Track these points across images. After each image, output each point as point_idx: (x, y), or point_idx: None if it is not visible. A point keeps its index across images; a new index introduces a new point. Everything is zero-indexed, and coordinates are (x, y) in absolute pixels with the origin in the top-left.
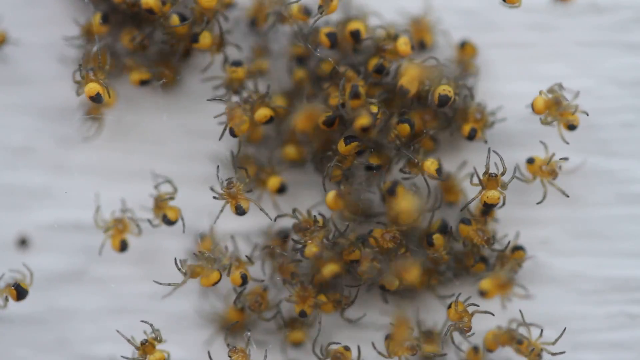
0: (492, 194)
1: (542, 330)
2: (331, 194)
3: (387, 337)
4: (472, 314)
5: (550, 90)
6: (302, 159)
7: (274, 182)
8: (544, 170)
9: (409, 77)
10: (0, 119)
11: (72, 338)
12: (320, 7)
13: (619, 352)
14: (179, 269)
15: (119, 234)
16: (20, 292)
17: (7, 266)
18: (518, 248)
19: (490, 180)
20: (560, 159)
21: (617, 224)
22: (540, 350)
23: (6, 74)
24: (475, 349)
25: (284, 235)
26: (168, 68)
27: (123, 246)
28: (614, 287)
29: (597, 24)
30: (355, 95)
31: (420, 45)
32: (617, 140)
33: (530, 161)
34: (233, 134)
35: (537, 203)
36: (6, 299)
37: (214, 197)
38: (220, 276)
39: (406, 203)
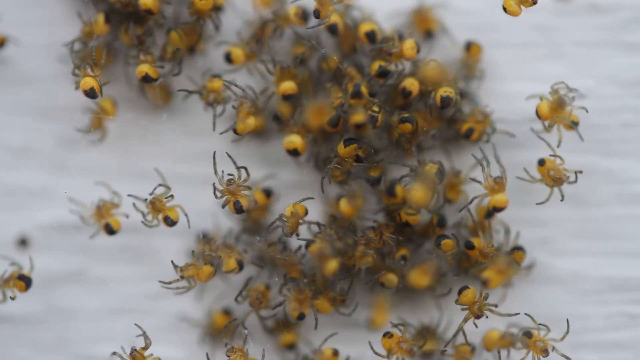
0: (501, 198)
1: (539, 324)
2: (344, 202)
3: (386, 334)
4: (485, 298)
5: (553, 92)
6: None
7: (259, 196)
8: (552, 175)
9: (428, 78)
10: (0, 119)
11: (72, 338)
12: (316, 10)
13: (619, 352)
14: (175, 267)
15: (102, 219)
16: (27, 282)
17: (7, 266)
18: (518, 248)
19: (497, 183)
20: (572, 171)
21: (617, 224)
22: (549, 347)
23: (6, 74)
24: (472, 349)
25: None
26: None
27: (108, 229)
28: (614, 287)
29: (597, 24)
30: (356, 94)
31: (428, 34)
32: (617, 140)
33: (541, 163)
34: (235, 131)
35: (539, 203)
36: (8, 296)
37: (215, 195)
38: (214, 269)
39: (419, 191)
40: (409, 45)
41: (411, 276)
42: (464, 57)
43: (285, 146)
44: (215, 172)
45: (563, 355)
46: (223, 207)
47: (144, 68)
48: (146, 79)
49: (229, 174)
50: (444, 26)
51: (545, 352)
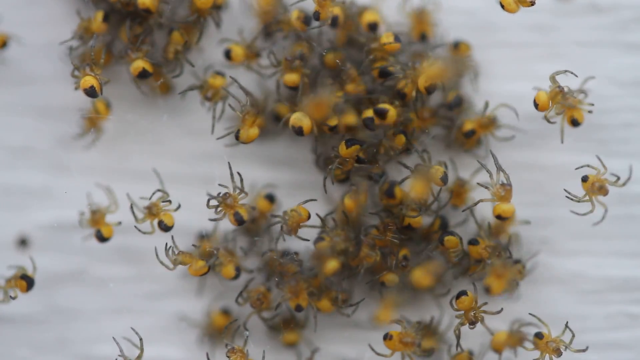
0: (508, 207)
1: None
2: (348, 198)
3: (386, 337)
4: (481, 307)
5: (552, 82)
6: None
7: (262, 203)
8: (597, 187)
9: (430, 76)
10: (0, 119)
11: (72, 338)
12: (316, 12)
13: (619, 352)
14: (167, 254)
15: (96, 225)
16: (29, 282)
17: (9, 268)
18: (517, 262)
19: (505, 191)
20: (612, 176)
21: (617, 224)
22: (562, 347)
23: (6, 74)
24: (470, 354)
25: (286, 254)
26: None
27: (99, 236)
28: (614, 287)
29: (597, 24)
30: (385, 73)
31: (422, 38)
32: (617, 140)
33: (585, 179)
34: (237, 137)
35: (583, 214)
36: (10, 296)
37: (212, 210)
38: (208, 268)
39: (418, 184)
40: (385, 36)
41: (414, 276)
42: (452, 56)
43: (292, 122)
44: (213, 196)
45: (577, 351)
46: (220, 219)
47: (140, 64)
48: (143, 75)
49: (222, 185)
50: (439, 31)
51: (557, 351)
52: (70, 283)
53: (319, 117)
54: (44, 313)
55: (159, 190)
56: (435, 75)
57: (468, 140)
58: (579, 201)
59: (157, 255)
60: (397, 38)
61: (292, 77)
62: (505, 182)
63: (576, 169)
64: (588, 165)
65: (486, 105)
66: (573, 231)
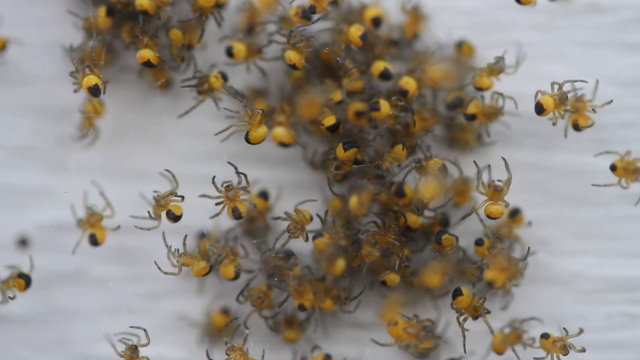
0: (496, 209)
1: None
2: (354, 201)
3: (391, 322)
4: (480, 299)
5: (555, 88)
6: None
7: (259, 202)
8: (628, 170)
9: (433, 78)
10: (0, 118)
11: (72, 338)
12: (311, 6)
13: (619, 352)
14: (169, 258)
15: (90, 228)
16: (27, 280)
17: (7, 268)
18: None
19: (495, 193)
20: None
21: (617, 224)
22: (568, 344)
23: (6, 74)
24: None
25: (288, 255)
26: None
27: (92, 240)
28: (614, 287)
29: (597, 24)
30: (386, 76)
31: (415, 37)
32: (617, 140)
33: (613, 168)
34: (247, 140)
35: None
36: (8, 296)
37: (212, 209)
38: (209, 268)
39: (431, 186)
40: (354, 28)
41: (424, 274)
42: (456, 57)
43: (273, 139)
44: (214, 184)
45: (580, 351)
46: (219, 213)
47: (146, 54)
48: (147, 65)
49: (226, 181)
50: (439, 31)
51: (564, 349)
52: (70, 283)
53: (310, 116)
54: (43, 313)
55: (162, 172)
56: (438, 77)
57: (469, 122)
58: (613, 185)
59: (159, 268)
60: (364, 35)
61: (291, 55)
62: (496, 183)
63: (594, 155)
64: (607, 152)
65: (493, 96)
66: (573, 231)
